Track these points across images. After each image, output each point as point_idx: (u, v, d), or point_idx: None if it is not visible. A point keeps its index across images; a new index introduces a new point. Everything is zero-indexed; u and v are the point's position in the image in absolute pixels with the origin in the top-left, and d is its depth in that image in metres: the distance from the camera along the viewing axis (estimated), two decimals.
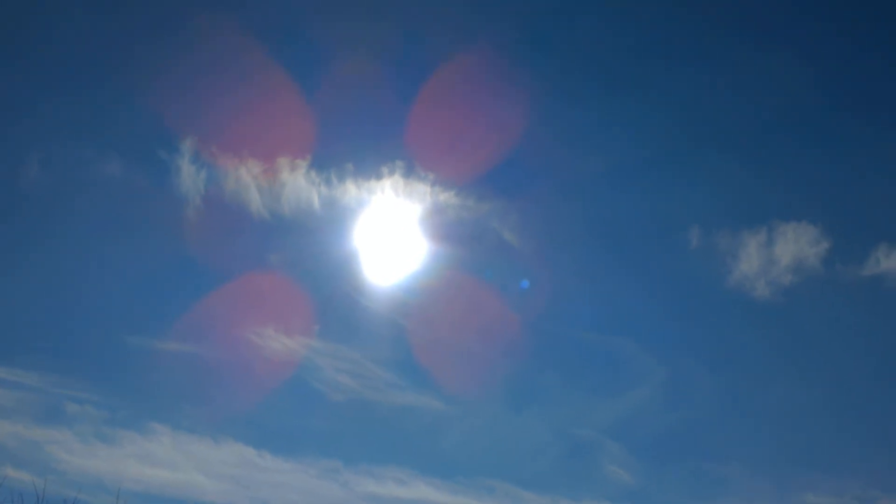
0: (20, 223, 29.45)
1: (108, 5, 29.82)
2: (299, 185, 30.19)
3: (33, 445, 27.09)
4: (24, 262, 29.25)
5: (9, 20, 28.87)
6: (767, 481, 29.49)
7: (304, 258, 31.29)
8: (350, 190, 30.61)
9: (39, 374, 27.72)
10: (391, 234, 31.38)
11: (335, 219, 30.86)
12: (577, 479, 29.99)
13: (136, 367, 29.44)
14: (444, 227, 31.27)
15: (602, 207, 33.61)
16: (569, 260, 32.81)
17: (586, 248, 33.29)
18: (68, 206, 29.60)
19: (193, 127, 29.76)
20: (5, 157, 28.32)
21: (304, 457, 29.24)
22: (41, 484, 15.36)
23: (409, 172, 30.55)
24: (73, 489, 15.67)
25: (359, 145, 31.20)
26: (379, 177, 30.64)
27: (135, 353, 29.36)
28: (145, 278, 30.40)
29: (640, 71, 33.28)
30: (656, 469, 30.22)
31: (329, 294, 31.06)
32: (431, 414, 30.83)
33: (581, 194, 33.34)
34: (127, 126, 30.02)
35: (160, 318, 30.09)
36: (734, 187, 33.18)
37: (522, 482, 29.13)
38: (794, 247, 30.58)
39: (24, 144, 28.59)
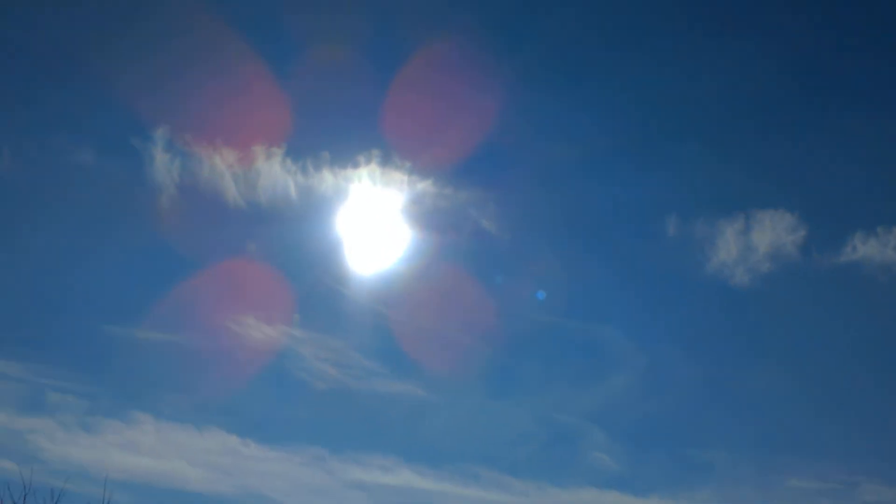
0: None
1: None
2: (275, 173, 30.18)
3: (15, 435, 27.06)
4: (1, 254, 29.09)
5: None
6: (750, 466, 29.98)
7: (283, 247, 31.37)
8: (327, 178, 30.64)
9: (20, 363, 27.69)
10: (370, 222, 31.46)
11: (313, 207, 30.90)
12: (562, 466, 30.35)
13: (117, 357, 29.45)
14: (423, 216, 31.43)
15: (579, 196, 33.97)
16: (547, 248, 33.12)
17: (565, 236, 33.64)
18: (43, 197, 29.53)
19: (167, 115, 29.73)
20: None
21: (289, 445, 29.37)
22: (25, 473, 15.35)
23: (386, 161, 30.64)
24: (56, 478, 15.61)
25: (335, 134, 31.27)
26: (356, 165, 30.67)
27: (115, 343, 29.37)
28: (123, 268, 30.41)
29: (615, 59, 33.65)
30: (640, 455, 30.62)
31: (309, 283, 31.15)
32: (415, 402, 31.04)
33: (558, 183, 33.68)
34: (100, 115, 30.00)
35: (139, 308, 30.07)
36: (711, 175, 33.61)
37: (507, 468, 29.45)
38: (771, 234, 31.00)
39: None
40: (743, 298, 32.01)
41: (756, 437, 30.81)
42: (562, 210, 33.15)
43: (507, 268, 32.50)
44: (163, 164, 28.97)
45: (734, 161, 33.34)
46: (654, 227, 32.49)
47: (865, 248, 30.34)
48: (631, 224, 33.42)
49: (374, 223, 31.29)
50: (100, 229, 29.93)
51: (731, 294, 31.99)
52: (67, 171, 28.76)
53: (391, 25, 30.45)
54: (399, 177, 30.77)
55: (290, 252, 30.92)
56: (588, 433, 30.85)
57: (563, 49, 33.08)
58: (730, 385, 32.20)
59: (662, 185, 33.49)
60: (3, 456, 26.18)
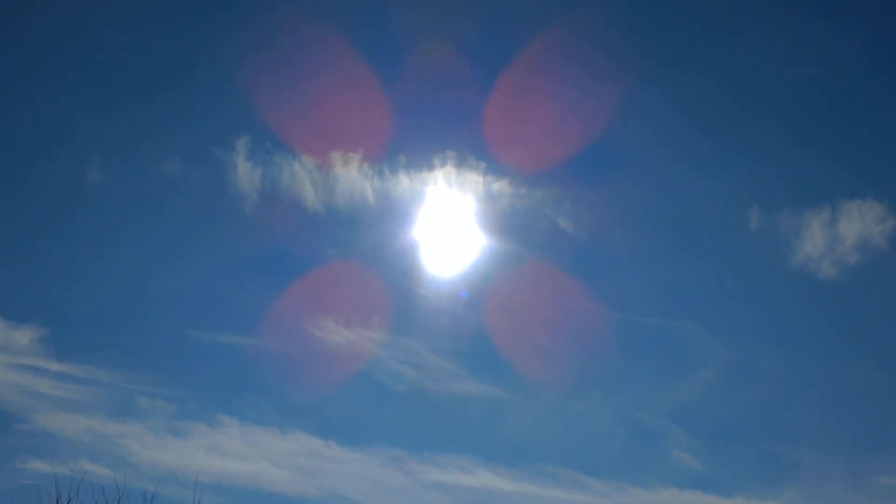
0: (86, 226, 30.35)
1: (161, 8, 30.30)
2: (352, 178, 30.48)
3: (107, 439, 27.96)
4: (92, 263, 30.16)
5: (69, 31, 29.62)
6: (840, 464, 28.97)
7: (361, 251, 31.63)
8: (403, 182, 30.80)
9: (111, 370, 28.59)
10: (446, 224, 31.51)
11: (389, 211, 31.09)
12: (643, 465, 29.86)
13: (203, 362, 30.26)
14: (499, 216, 31.31)
15: (658, 190, 33.22)
16: (627, 244, 32.50)
17: (644, 231, 32.93)
18: (131, 207, 30.42)
19: (248, 124, 30.29)
20: (70, 162, 29.13)
21: (369, 447, 29.67)
22: (118, 477, 15.86)
23: (462, 162, 30.63)
24: (148, 481, 16.08)
25: (410, 137, 31.33)
26: (431, 168, 30.79)
27: (201, 348, 30.12)
28: (207, 274, 31.13)
29: (693, 46, 32.74)
30: (724, 454, 29.92)
31: (387, 286, 31.35)
32: (493, 402, 31.00)
33: (637, 177, 32.95)
34: (183, 126, 30.70)
35: (223, 313, 30.81)
36: (795, 166, 32.53)
37: (586, 469, 29.14)
38: (858, 225, 29.85)
39: (87, 148, 29.40)
40: (830, 291, 30.97)
41: (844, 434, 29.87)
42: (640, 205, 32.58)
43: (585, 266, 32.14)
44: (245, 172, 29.60)
45: (820, 150, 32.22)
46: (736, 220, 31.68)
47: None
48: (713, 217, 32.63)
49: (450, 225, 31.37)
50: (184, 237, 30.83)
51: (817, 287, 30.99)
52: (154, 181, 29.65)
53: (465, 26, 30.35)
54: (474, 178, 30.78)
55: (369, 256, 31.22)
56: (669, 432, 30.32)
57: (644, 40, 32.31)
58: (816, 380, 31.26)
59: (745, 177, 32.59)
60: (96, 460, 27.22)
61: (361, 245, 31.49)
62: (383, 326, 31.27)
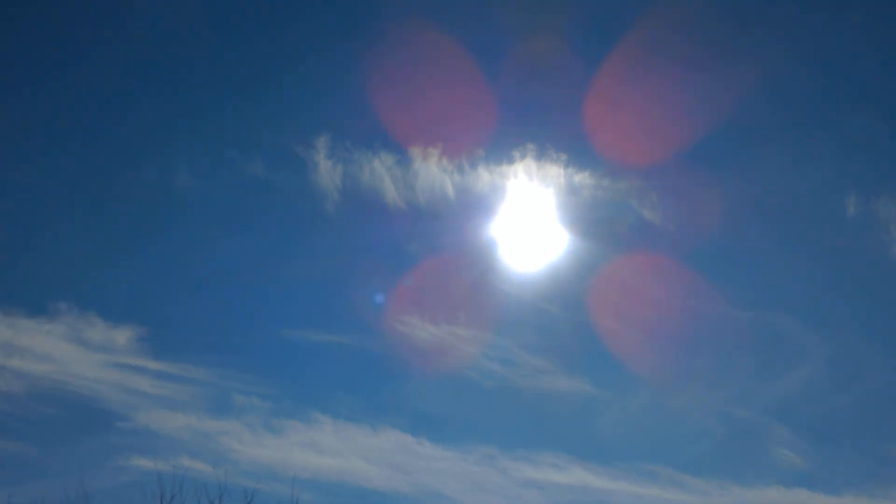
0: (178, 228, 31.15)
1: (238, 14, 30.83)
2: (432, 173, 30.41)
3: (206, 436, 28.55)
4: (185, 265, 30.93)
5: (156, 37, 30.40)
6: None
7: (444, 246, 31.54)
8: (483, 176, 30.57)
9: (208, 368, 29.21)
10: (528, 217, 31.12)
11: (470, 205, 30.88)
12: (744, 463, 28.86)
13: (295, 360, 30.68)
14: (581, 209, 30.77)
15: (749, 178, 31.99)
16: (718, 235, 31.46)
17: (737, 221, 31.77)
18: (220, 210, 31.10)
19: (328, 123, 30.58)
20: (159, 166, 29.96)
21: (461, 444, 29.53)
22: (218, 474, 16.10)
23: (542, 155, 30.21)
24: (247, 478, 16.34)
25: (489, 131, 31.05)
26: (511, 161, 30.46)
27: (293, 346, 30.53)
28: (295, 274, 31.52)
29: (787, 32, 31.43)
30: (829, 451, 28.68)
31: (471, 281, 31.18)
32: (585, 398, 30.45)
33: (728, 167, 31.89)
34: (266, 128, 31.17)
35: (313, 312, 31.17)
36: (893, 152, 30.98)
37: (685, 466, 28.31)
38: None
39: (176, 153, 30.18)
40: None
41: None
42: (732, 195, 31.42)
43: (673, 258, 31.23)
44: (326, 171, 29.89)
45: None
46: (833, 209, 30.35)
47: None
48: (809, 206, 31.32)
49: (532, 218, 30.96)
50: (272, 238, 31.32)
51: None
52: (240, 183, 30.24)
53: (553, 19, 29.93)
54: (555, 170, 30.33)
55: (452, 251, 31.11)
56: (771, 429, 29.23)
57: (739, 30, 31.22)
58: None
59: (841, 164, 31.20)
60: (197, 457, 27.85)
61: (443, 241, 31.44)
62: (469, 323, 31.15)
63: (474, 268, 30.76)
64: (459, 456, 29.43)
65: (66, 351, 27.99)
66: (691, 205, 31.36)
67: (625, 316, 30.65)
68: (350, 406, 29.84)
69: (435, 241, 31.04)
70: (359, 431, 29.63)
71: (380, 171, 29.96)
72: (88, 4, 29.65)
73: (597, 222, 30.70)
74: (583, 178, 30.15)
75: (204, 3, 29.74)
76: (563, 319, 31.08)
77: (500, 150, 30.01)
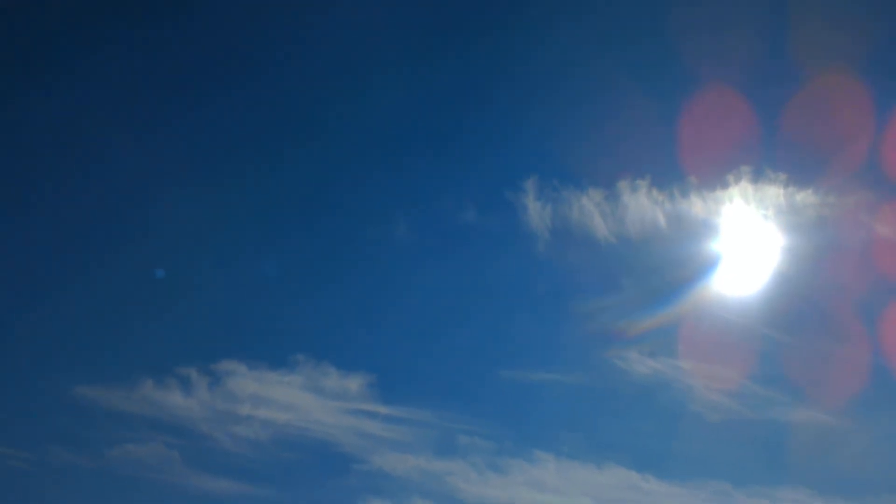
0: (397, 278, 32.41)
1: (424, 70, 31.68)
2: (642, 205, 29.98)
3: (434, 477, 29.49)
4: (405, 314, 32.13)
5: (359, 99, 31.92)
6: None
7: (656, 279, 30.93)
8: (696, 203, 29.75)
9: (433, 411, 30.23)
10: (746, 242, 29.98)
11: (684, 234, 30.12)
12: None
13: (516, 399, 31.09)
14: (804, 228, 29.24)
15: None
16: None
17: None
18: (435, 258, 32.10)
19: (534, 164, 30.94)
20: (378, 222, 31.40)
21: (689, 479, 28.76)
22: None
23: (758, 176, 29.06)
24: None
25: (699, 156, 30.24)
26: (725, 185, 29.48)
27: (512, 386, 30.98)
28: (511, 316, 32.02)
29: None
30: None
31: (690, 312, 30.32)
32: (821, 429, 28.76)
33: None
34: (476, 174, 32.01)
35: (530, 351, 31.51)
36: None
37: None
38: None
39: (391, 207, 31.54)
40: None
41: None
42: None
43: None
44: (535, 212, 30.23)
45: None
46: None
47: None
48: None
49: (751, 242, 29.80)
50: (486, 282, 31.95)
51: None
52: (453, 231, 31.17)
53: (745, 41, 28.91)
54: (774, 191, 29.05)
55: (665, 283, 30.47)
56: None
57: None
58: None
59: None
60: (427, 497, 28.95)
61: (657, 273, 30.84)
62: (690, 354, 30.35)
63: (692, 298, 29.97)
64: (688, 492, 28.66)
65: (305, 399, 29.93)
66: None
67: (862, 341, 28.72)
68: (572, 444, 29.86)
69: (648, 273, 30.58)
70: (583, 469, 29.55)
71: (588, 208, 29.97)
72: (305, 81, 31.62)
73: (821, 242, 29.12)
74: (805, 196, 28.72)
75: (407, 62, 31.01)
76: (790, 346, 29.64)
77: (713, 175, 29.20)
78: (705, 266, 30.27)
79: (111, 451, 28.06)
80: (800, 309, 29.56)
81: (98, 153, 30.35)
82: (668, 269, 30.48)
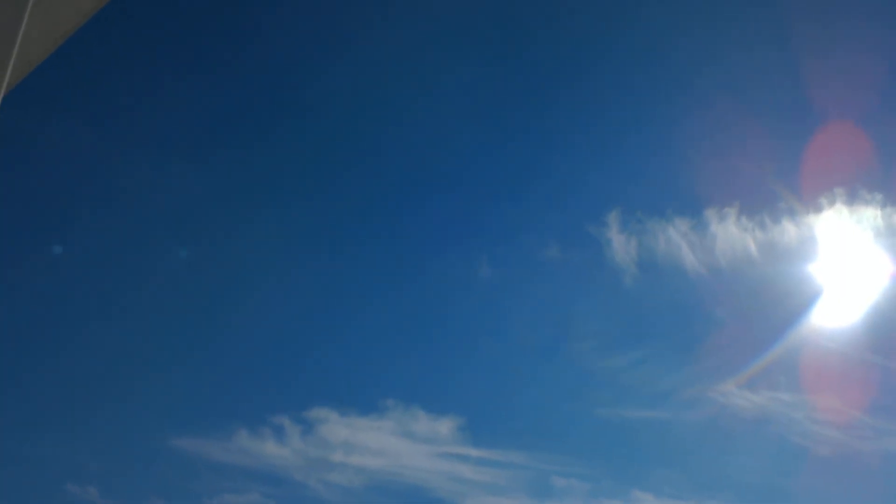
0: (483, 318, 32.20)
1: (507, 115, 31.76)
2: (731, 233, 29.23)
3: None
4: (492, 354, 31.84)
5: (432, 151, 32.12)
6: None
7: (751, 309, 30.03)
8: (788, 229, 28.89)
9: (525, 452, 29.66)
10: (844, 266, 28.89)
11: (777, 262, 29.22)
12: None
13: (610, 437, 30.33)
14: None
15: None
16: None
17: None
18: (520, 296, 31.84)
19: (616, 197, 30.54)
20: (461, 260, 31.36)
21: None
22: None
23: (853, 198, 28.06)
24: None
25: (789, 181, 29.47)
26: (818, 209, 28.59)
27: (606, 424, 30.26)
28: (600, 351, 31.40)
29: None
30: None
31: (786, 342, 29.24)
32: None
33: None
34: (557, 209, 31.75)
35: (623, 389, 30.75)
36: None
37: None
38: None
39: (476, 246, 31.48)
40: None
41: None
42: None
43: None
44: (620, 245, 29.77)
45: None
46: None
47: None
48: None
49: (850, 267, 28.70)
50: (573, 318, 31.49)
51: None
52: (537, 268, 30.90)
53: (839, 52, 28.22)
54: (870, 212, 28.01)
55: (760, 313, 29.53)
56: None
57: None
58: None
59: None
60: None
61: (751, 302, 29.94)
62: (792, 386, 29.22)
63: (790, 328, 28.94)
64: None
65: (396, 444, 29.73)
66: None
67: None
68: (672, 482, 28.87)
69: (742, 303, 29.73)
70: None
71: (675, 239, 29.38)
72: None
73: None
74: None
75: (485, 98, 31.18)
76: None
77: (805, 199, 28.36)
78: (803, 294, 29.32)
79: (210, 503, 28.37)
80: None
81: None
82: (763, 298, 29.61)
